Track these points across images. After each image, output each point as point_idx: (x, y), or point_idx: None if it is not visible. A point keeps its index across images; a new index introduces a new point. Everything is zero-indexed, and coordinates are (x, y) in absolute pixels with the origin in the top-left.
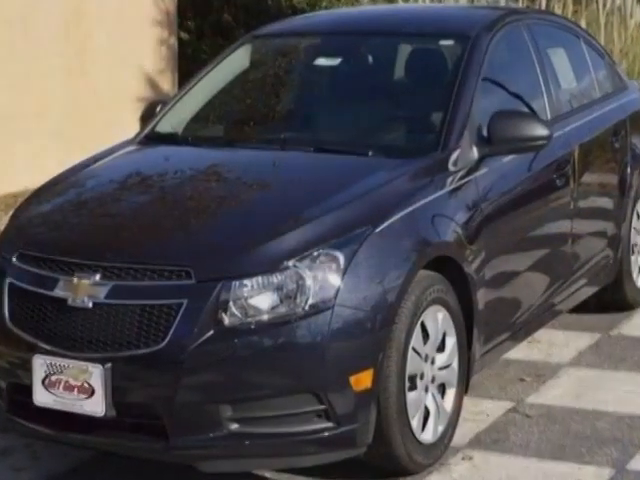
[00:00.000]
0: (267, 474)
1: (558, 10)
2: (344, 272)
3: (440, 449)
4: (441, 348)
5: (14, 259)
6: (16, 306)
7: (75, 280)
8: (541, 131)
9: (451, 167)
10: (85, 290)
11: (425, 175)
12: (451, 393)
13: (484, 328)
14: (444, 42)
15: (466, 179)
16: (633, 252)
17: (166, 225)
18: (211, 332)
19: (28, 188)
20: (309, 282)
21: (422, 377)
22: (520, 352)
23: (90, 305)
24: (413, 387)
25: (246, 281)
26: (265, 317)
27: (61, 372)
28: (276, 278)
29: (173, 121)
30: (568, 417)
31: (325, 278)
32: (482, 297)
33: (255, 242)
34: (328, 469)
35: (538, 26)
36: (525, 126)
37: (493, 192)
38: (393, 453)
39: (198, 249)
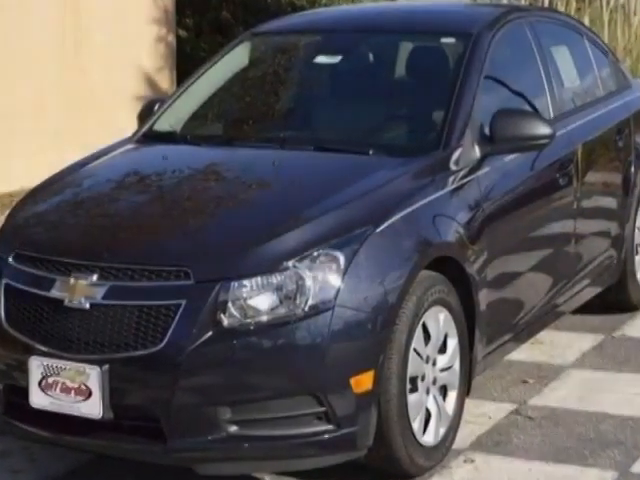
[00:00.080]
0: (266, 477)
1: (561, 7)
2: (344, 272)
3: (441, 452)
4: (442, 349)
5: (10, 259)
6: (12, 307)
7: (72, 280)
8: (544, 130)
9: (453, 166)
10: (82, 291)
11: (426, 174)
12: (453, 395)
13: (486, 329)
14: (446, 40)
15: (468, 178)
16: (637, 252)
17: (164, 225)
18: (210, 333)
19: (24, 187)
20: (309, 283)
21: (423, 379)
22: (523, 353)
23: (87, 306)
24: (414, 389)
25: (245, 281)
26: (264, 318)
27: (58, 374)
28: (275, 278)
29: (171, 119)
30: (571, 419)
31: (325, 279)
32: (484, 298)
33: (254, 242)
34: (328, 472)
35: (541, 24)
36: (527, 125)
37: (495, 191)
38: (394, 456)
39: (196, 249)
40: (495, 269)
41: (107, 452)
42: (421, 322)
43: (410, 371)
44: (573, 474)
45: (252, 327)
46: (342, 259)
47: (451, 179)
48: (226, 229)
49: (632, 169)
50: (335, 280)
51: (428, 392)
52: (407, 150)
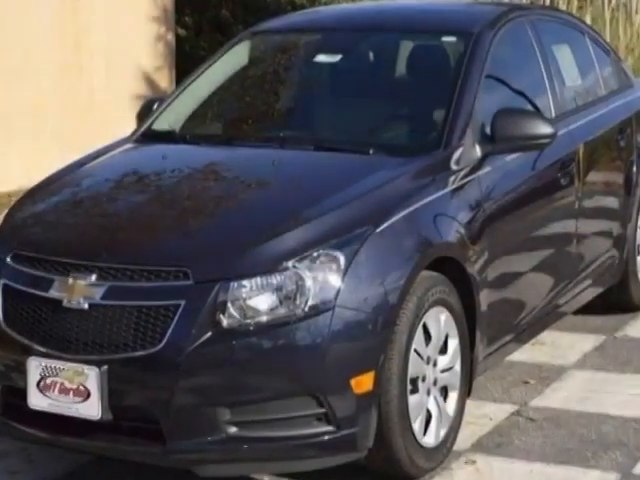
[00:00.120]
0: (266, 478)
1: (562, 6)
2: (344, 273)
3: (442, 453)
4: (443, 350)
5: (8, 259)
6: (10, 307)
7: (70, 281)
8: (545, 129)
9: (453, 166)
10: (81, 291)
11: (427, 174)
12: (453, 396)
13: (487, 330)
14: (446, 39)
15: (469, 178)
16: (639, 252)
17: (163, 225)
18: (209, 334)
19: (22, 187)
20: (309, 283)
21: (424, 380)
22: (524, 354)
23: (86, 306)
24: (415, 390)
25: (245, 282)
26: (264, 318)
27: (56, 375)
28: (275, 279)
29: (170, 119)
30: (573, 421)
31: (325, 279)
32: (485, 298)
33: (254, 242)
34: (328, 473)
35: (542, 22)
36: (529, 124)
37: (496, 191)
38: (394, 457)
39: (196, 249)
40: (496, 269)
41: (106, 453)
42: (422, 323)
43: (411, 372)
44: (575, 476)
45: (252, 328)
46: (342, 259)
47: (452, 179)
48: (225, 229)
49: (634, 169)
50: (335, 280)
51: (429, 393)
52: (408, 150)
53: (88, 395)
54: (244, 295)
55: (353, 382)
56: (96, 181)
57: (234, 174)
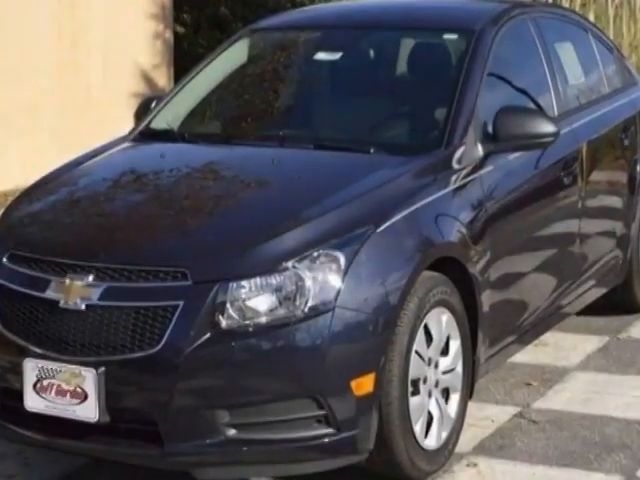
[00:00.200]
0: None
1: (565, 3)
2: (345, 273)
3: (444, 455)
4: (445, 351)
5: (4, 260)
6: (6, 308)
7: (67, 281)
8: (548, 128)
9: (455, 165)
10: (78, 292)
11: (428, 173)
12: (455, 398)
13: (489, 331)
14: (448, 36)
15: (470, 177)
16: None
17: (161, 225)
18: (208, 335)
19: (19, 187)
20: (309, 283)
21: (425, 381)
22: (526, 355)
23: (83, 307)
24: (416, 392)
25: (244, 282)
26: (263, 319)
27: (53, 376)
28: (275, 279)
29: (169, 117)
30: (576, 423)
31: (325, 279)
32: (487, 299)
33: (253, 242)
34: (328, 476)
35: (545, 20)
36: (531, 123)
37: (498, 190)
38: (395, 460)
39: (194, 249)
40: (498, 270)
41: (103, 456)
42: (423, 323)
43: (412, 373)
44: (578, 478)
45: (251, 329)
46: (342, 259)
47: (453, 178)
48: (224, 229)
49: (638, 168)
50: (335, 281)
51: (430, 395)
52: (409, 148)
53: (85, 397)
54: (243, 296)
55: (353, 384)
56: (93, 180)
57: (233, 173)
